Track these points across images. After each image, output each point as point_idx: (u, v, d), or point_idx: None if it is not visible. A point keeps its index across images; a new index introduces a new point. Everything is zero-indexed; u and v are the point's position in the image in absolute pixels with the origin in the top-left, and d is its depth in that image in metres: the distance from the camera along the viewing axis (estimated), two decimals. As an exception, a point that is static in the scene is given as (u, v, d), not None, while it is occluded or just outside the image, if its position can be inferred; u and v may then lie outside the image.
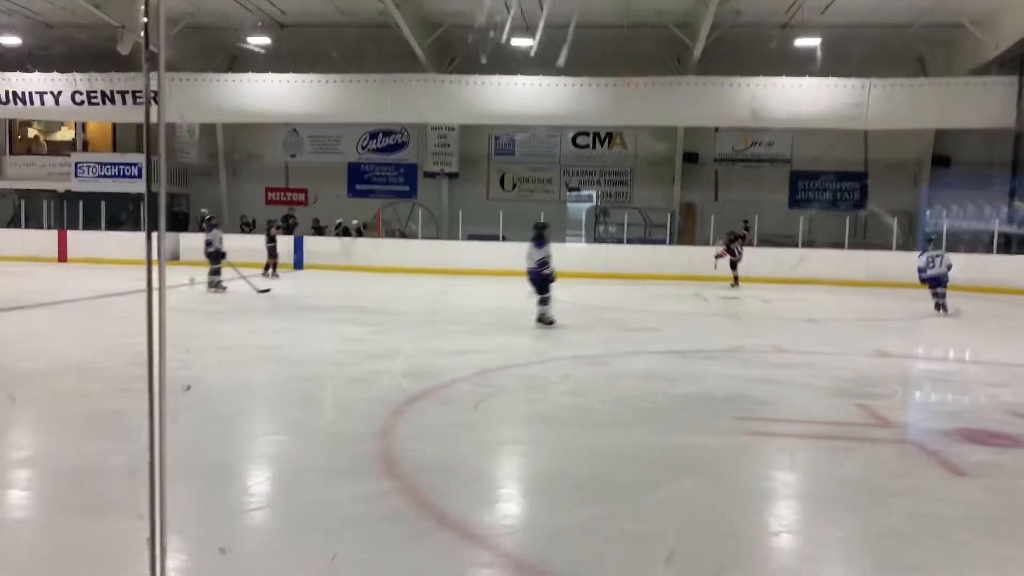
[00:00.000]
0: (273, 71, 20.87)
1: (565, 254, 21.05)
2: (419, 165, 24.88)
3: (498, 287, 17.14)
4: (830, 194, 23.96)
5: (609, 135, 24.09)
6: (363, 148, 25.07)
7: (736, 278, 18.00)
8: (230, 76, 21.09)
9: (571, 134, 24.12)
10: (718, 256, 17.83)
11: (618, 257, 20.90)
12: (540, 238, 10.53)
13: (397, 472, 4.47)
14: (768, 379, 7.32)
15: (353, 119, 22.18)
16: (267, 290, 14.39)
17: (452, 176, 24.34)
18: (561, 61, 16.74)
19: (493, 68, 20.34)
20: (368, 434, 5.13)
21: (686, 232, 23.51)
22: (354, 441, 4.99)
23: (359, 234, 22.40)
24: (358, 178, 25.23)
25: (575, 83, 19.79)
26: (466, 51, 22.52)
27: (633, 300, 15.30)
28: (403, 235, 23.95)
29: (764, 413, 6.03)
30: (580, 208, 23.52)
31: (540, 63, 20.63)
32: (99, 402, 6.03)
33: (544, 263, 10.37)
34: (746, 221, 19.07)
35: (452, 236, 22.50)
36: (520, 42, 21.36)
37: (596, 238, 23.32)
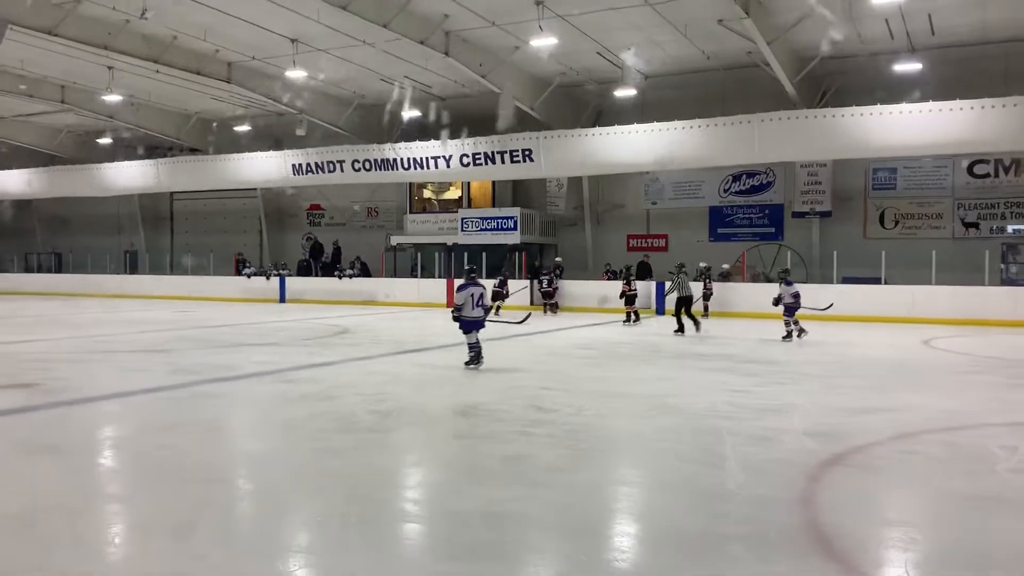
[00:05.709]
0: (637, 122, 21.28)
1: (961, 299, 18.57)
2: (786, 205, 23.66)
3: (881, 335, 15.48)
4: None
5: (1016, 162, 20.82)
6: (725, 191, 24.52)
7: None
8: (597, 130, 21.84)
9: (965, 163, 21.26)
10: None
11: (1034, 301, 17.83)
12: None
13: (834, 551, 3.91)
14: None
15: (719, 163, 21.72)
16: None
17: (824, 215, 22.75)
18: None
19: (872, 98, 18.68)
20: (787, 501, 4.62)
21: None
22: (775, 508, 4.51)
23: (716, 279, 21.85)
24: (720, 222, 24.70)
25: (972, 106, 17.35)
26: (840, 82, 21.15)
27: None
28: (767, 279, 22.83)
29: None
30: (980, 246, 20.40)
31: (929, 87, 18.64)
32: (505, 445, 6.21)
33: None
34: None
35: (824, 280, 20.92)
36: (905, 67, 19.54)
37: (1003, 279, 20.14)
